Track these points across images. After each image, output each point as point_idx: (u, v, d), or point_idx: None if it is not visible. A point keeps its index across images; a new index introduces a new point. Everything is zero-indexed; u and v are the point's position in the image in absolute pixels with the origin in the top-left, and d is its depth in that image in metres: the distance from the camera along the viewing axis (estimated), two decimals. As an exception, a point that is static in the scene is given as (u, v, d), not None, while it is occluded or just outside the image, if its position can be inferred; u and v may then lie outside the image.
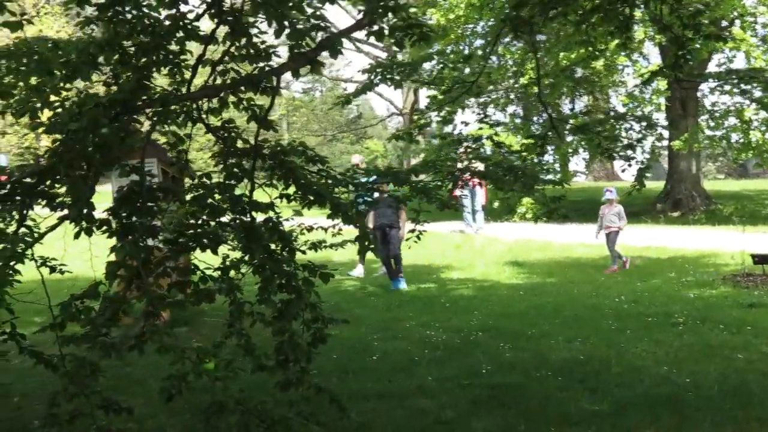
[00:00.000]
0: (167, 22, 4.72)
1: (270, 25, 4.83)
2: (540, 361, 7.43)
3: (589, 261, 14.71)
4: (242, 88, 5.36)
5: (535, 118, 26.29)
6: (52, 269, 5.51)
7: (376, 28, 4.58)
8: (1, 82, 4.41)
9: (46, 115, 4.68)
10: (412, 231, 6.42)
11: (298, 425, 4.57)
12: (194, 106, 5.22)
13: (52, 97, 4.71)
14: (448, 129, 7.48)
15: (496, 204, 23.90)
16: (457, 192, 16.93)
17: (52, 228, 4.49)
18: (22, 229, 4.81)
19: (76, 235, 4.43)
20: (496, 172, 6.07)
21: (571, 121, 7.55)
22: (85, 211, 4.34)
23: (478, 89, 7.54)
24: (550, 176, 7.41)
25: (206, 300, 4.98)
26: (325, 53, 4.97)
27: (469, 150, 7.19)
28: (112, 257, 4.49)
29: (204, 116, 5.30)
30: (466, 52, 24.77)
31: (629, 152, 7.34)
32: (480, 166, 12.06)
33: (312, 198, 5.07)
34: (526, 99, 27.31)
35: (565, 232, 18.46)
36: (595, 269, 13.64)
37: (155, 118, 4.61)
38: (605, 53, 17.28)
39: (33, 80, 4.60)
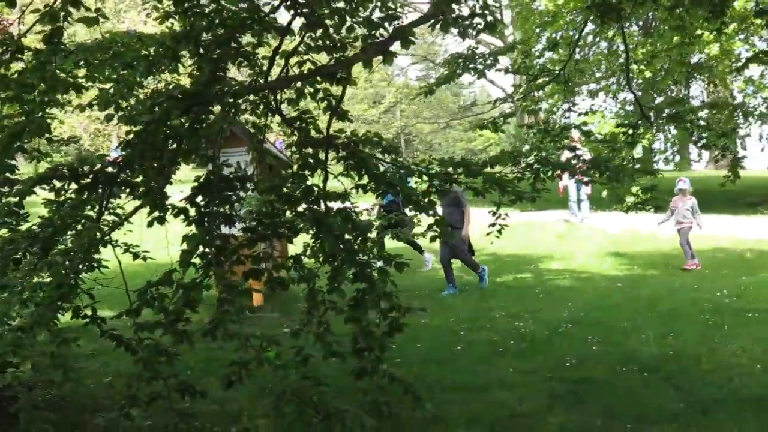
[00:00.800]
0: (242, 15, 4.82)
1: (343, 16, 4.89)
2: (627, 357, 7.26)
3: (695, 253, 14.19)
4: (318, 78, 5.46)
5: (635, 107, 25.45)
6: (135, 255, 5.73)
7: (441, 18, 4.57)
8: (75, 77, 4.59)
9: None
10: (493, 225, 6.31)
11: (353, 418, 4.57)
12: (271, 97, 5.33)
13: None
14: (534, 118, 7.34)
15: (604, 194, 23.33)
16: (563, 182, 16.66)
17: (128, 216, 4.68)
18: (108, 217, 5.04)
19: (149, 224, 4.59)
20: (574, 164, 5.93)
21: (667, 111, 7.28)
22: (158, 201, 4.48)
23: (567, 78, 7.39)
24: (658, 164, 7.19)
25: (280, 288, 5.11)
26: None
27: (574, 140, 7.08)
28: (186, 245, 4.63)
29: (280, 106, 5.41)
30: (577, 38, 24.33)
31: (724, 141, 7.07)
32: (586, 155, 11.85)
33: (384, 188, 5.10)
34: (642, 85, 26.53)
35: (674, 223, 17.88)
36: (702, 262, 13.16)
37: (228, 110, 4.71)
38: (721, 37, 16.65)
39: (113, 74, 4.80)
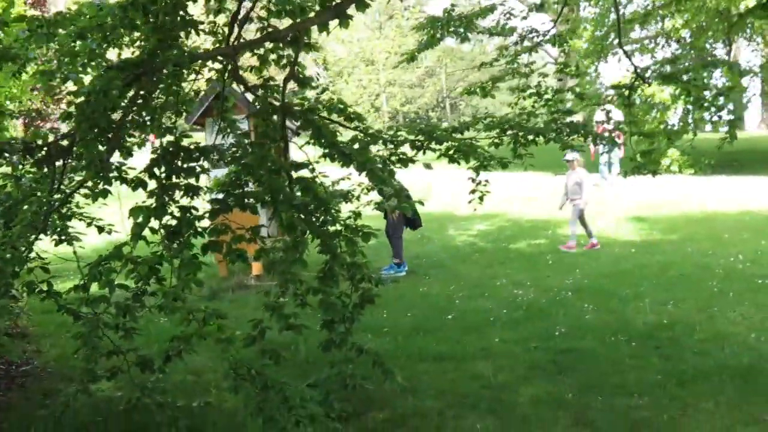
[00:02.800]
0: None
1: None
2: (620, 325, 7.09)
3: (720, 216, 13.82)
4: (281, 45, 5.33)
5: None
6: (100, 229, 5.70)
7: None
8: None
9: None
10: (473, 192, 6.11)
11: (292, 391, 4.50)
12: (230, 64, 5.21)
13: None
14: (527, 80, 7.11)
15: (638, 156, 22.86)
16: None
17: (74, 191, 4.63)
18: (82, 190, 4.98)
19: (94, 198, 4.54)
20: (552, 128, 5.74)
21: (655, 68, 7.00)
22: (101, 173, 4.42)
23: (560, 39, 7.13)
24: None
25: (239, 261, 5.03)
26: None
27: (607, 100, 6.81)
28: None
29: (239, 74, 5.30)
30: None
31: (721, 101, 6.80)
32: (619, 116, 11.55)
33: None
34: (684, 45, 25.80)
35: (710, 185, 17.42)
36: (724, 226, 12.80)
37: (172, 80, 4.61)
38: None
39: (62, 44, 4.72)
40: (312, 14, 5.12)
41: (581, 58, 24.90)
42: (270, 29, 5.25)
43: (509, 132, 5.64)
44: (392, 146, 5.24)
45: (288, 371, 6.16)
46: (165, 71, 4.59)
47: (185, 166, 4.97)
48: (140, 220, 4.60)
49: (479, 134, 5.73)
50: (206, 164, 5.10)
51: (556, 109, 7.15)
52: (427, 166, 8.41)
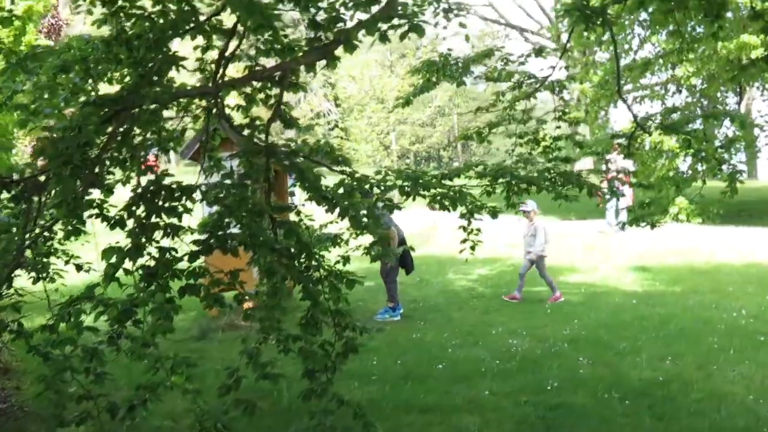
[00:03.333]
0: (171, 17, 4.61)
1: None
2: (615, 381, 6.87)
3: (726, 268, 13.62)
4: (268, 84, 5.25)
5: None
6: (78, 267, 5.58)
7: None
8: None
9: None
10: (464, 241, 5.94)
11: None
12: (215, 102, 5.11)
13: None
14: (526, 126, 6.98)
15: (645, 205, 22.65)
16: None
17: (46, 228, 4.51)
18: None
19: (66, 236, 4.42)
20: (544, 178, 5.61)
21: (658, 120, 6.88)
22: (73, 211, 4.30)
23: (559, 85, 7.01)
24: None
25: (216, 305, 4.89)
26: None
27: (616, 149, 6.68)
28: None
29: (224, 112, 5.19)
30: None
31: (723, 154, 6.68)
32: (629, 166, 11.38)
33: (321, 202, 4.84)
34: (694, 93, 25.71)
35: (718, 235, 17.18)
36: (729, 278, 12.60)
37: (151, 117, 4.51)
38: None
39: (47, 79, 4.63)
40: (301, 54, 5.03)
41: (591, 104, 24.88)
42: (258, 68, 5.17)
43: (500, 180, 5.51)
44: (379, 191, 5.11)
45: (269, 419, 6.02)
46: (144, 108, 4.49)
47: (166, 205, 4.87)
48: (114, 260, 4.49)
49: (470, 181, 5.60)
50: (189, 204, 4.98)
51: (553, 156, 7.05)
52: (432, 207, 8.20)
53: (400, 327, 9.44)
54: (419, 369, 7.37)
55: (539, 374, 7.14)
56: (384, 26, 4.53)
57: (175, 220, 4.87)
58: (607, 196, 13.21)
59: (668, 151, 22.21)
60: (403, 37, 4.45)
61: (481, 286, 12.35)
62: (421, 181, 4.91)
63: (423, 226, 16.75)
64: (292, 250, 4.99)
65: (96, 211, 4.79)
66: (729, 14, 13.72)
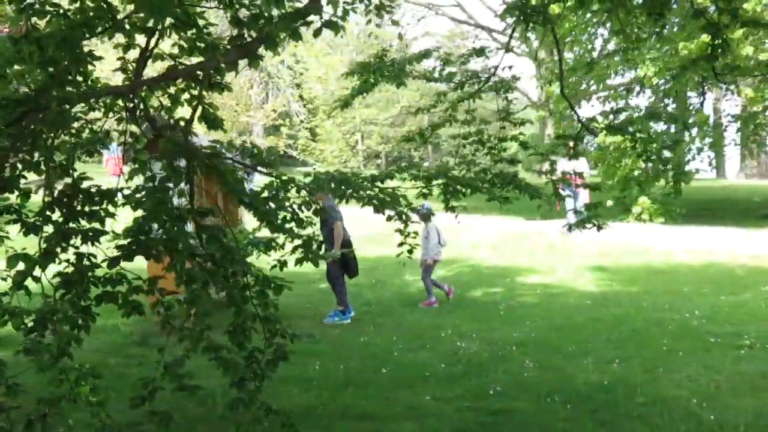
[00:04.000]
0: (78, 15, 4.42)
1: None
2: (560, 385, 6.75)
3: (684, 268, 13.59)
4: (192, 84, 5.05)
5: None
6: None
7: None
8: None
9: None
10: (401, 244, 5.74)
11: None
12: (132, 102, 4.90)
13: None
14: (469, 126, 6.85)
15: (609, 203, 22.64)
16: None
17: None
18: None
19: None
20: (482, 179, 5.47)
21: (600, 121, 6.76)
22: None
23: (504, 86, 6.89)
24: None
25: (135, 313, 4.70)
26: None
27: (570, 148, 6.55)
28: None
29: (149, 113, 5.00)
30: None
31: (666, 154, 6.59)
32: (584, 166, 11.23)
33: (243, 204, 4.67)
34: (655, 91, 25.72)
35: (678, 235, 17.18)
36: (686, 278, 12.56)
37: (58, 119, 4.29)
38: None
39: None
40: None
41: (556, 104, 24.87)
42: (181, 67, 4.97)
43: (434, 182, 5.36)
44: (306, 194, 4.93)
45: (203, 427, 5.82)
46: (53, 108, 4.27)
47: (86, 209, 4.68)
48: (22, 268, 4.29)
49: (405, 183, 5.44)
50: (111, 208, 4.78)
51: (498, 158, 6.92)
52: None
53: (349, 330, 9.27)
54: (362, 374, 7.20)
55: (484, 378, 7.01)
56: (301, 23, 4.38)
57: (97, 225, 4.68)
58: (565, 196, 13.15)
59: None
60: (316, 34, 4.29)
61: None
62: (349, 183, 4.74)
63: (383, 226, 16.58)
64: (217, 255, 4.82)
65: (14, 216, 4.60)
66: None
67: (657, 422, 5.84)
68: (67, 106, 4.24)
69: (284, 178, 4.94)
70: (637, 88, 26.66)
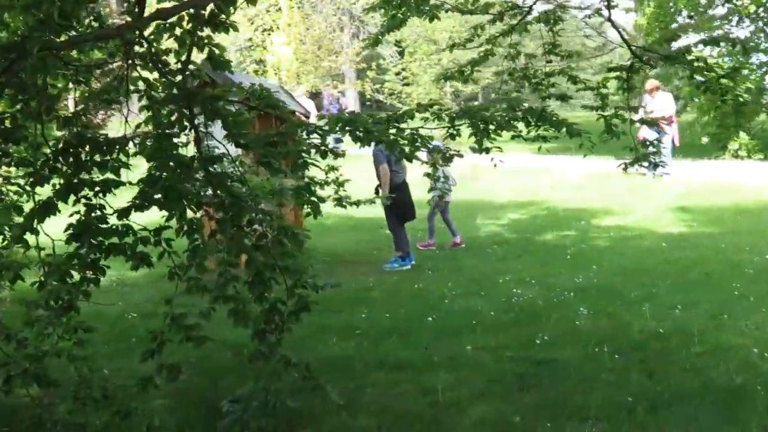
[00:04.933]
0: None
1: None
2: (612, 333, 6.40)
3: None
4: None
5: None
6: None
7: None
8: None
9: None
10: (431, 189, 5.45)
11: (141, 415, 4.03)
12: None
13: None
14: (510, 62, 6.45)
15: (704, 140, 21.60)
16: (641, 133, 15.22)
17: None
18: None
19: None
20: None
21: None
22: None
23: (553, 17, 6.41)
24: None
25: (144, 264, 4.59)
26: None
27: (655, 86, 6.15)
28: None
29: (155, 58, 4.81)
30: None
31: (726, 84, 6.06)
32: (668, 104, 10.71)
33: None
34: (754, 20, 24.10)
35: (772, 172, 16.22)
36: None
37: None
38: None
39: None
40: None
41: (646, 37, 23.69)
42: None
43: (457, 122, 5.00)
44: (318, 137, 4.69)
45: (233, 376, 5.74)
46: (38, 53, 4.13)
47: (97, 159, 4.57)
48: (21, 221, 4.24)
49: (429, 123, 5.11)
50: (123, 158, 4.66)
51: (547, 95, 6.53)
52: (474, 149, 7.79)
53: (407, 276, 9.07)
54: (408, 323, 7.00)
55: (533, 327, 6.70)
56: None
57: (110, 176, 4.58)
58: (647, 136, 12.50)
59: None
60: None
61: (508, 232, 11.84)
62: (355, 123, 4.47)
63: (461, 169, 16.12)
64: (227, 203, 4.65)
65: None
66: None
67: (711, 374, 5.45)
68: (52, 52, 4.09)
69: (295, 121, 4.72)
70: (736, 18, 25.19)
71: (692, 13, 24.65)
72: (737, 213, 12.31)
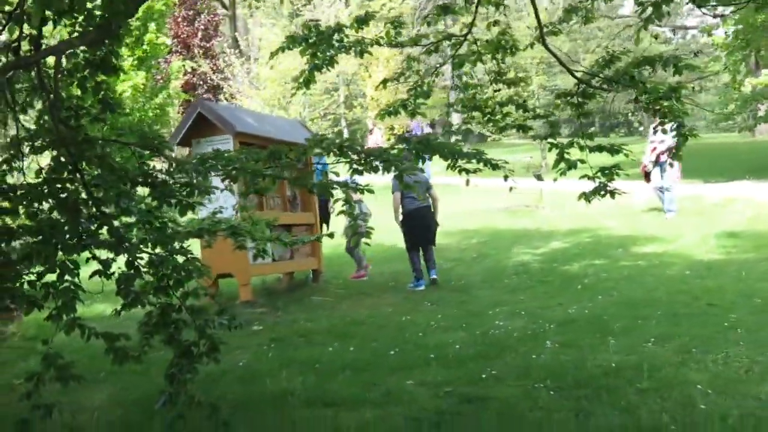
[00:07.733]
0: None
1: None
2: (564, 369, 6.12)
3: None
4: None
5: None
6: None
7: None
8: None
9: None
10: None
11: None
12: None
13: None
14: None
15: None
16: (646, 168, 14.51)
17: None
18: None
19: None
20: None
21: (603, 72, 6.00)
22: None
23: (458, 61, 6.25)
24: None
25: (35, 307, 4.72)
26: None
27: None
28: None
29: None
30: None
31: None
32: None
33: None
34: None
35: None
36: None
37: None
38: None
39: None
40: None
41: (728, 54, 22.70)
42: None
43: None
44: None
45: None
46: None
47: None
48: None
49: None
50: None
51: (503, 125, 6.44)
52: (539, 177, 7.86)
53: (403, 309, 9.01)
54: (370, 357, 6.90)
55: (492, 361, 6.49)
56: None
57: None
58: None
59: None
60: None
61: (537, 261, 11.56)
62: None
63: (514, 200, 15.81)
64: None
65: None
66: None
67: (641, 413, 5.15)
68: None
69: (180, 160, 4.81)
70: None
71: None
72: (788, 239, 11.61)
